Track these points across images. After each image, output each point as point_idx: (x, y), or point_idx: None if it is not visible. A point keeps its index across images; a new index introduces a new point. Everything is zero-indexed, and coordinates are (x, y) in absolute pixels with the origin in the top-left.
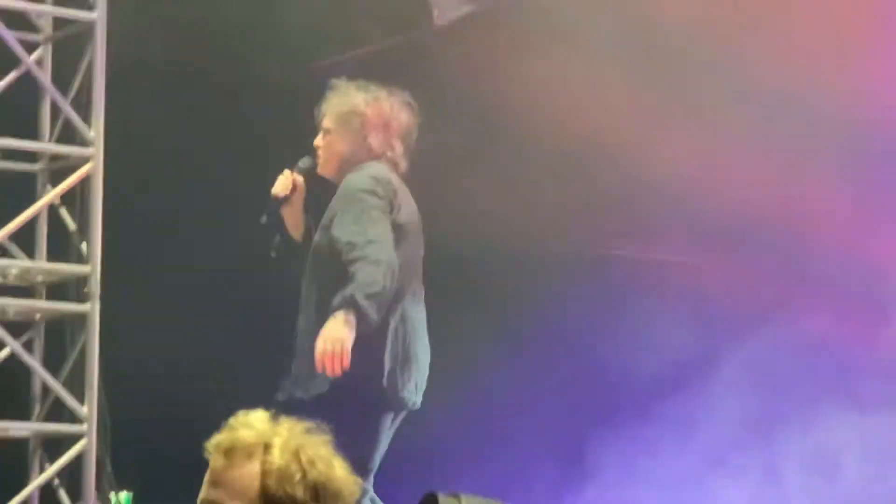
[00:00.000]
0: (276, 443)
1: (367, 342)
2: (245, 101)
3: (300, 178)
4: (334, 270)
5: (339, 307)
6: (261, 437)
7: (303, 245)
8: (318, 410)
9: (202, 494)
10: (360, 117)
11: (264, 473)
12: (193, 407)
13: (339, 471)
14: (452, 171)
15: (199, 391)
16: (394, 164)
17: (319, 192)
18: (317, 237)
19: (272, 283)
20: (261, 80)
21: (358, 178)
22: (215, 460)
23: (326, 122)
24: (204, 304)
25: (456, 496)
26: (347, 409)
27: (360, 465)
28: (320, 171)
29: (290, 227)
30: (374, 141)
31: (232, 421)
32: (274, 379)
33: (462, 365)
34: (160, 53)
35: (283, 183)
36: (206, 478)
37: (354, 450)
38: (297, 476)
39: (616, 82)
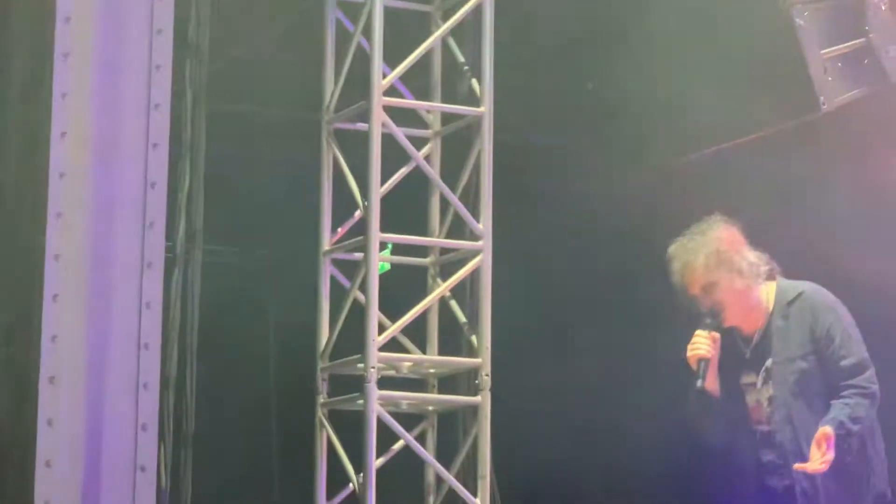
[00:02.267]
0: None
1: None
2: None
3: (717, 335)
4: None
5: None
6: None
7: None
8: None
9: None
10: (727, 253)
11: None
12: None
13: None
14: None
15: (584, 487)
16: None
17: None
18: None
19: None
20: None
21: (820, 296)
22: None
23: (707, 277)
24: (586, 401)
25: None
26: None
27: None
28: (728, 323)
29: (708, 383)
30: (748, 263)
31: None
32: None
33: None
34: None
35: (708, 344)
36: None
37: None
38: None
39: None
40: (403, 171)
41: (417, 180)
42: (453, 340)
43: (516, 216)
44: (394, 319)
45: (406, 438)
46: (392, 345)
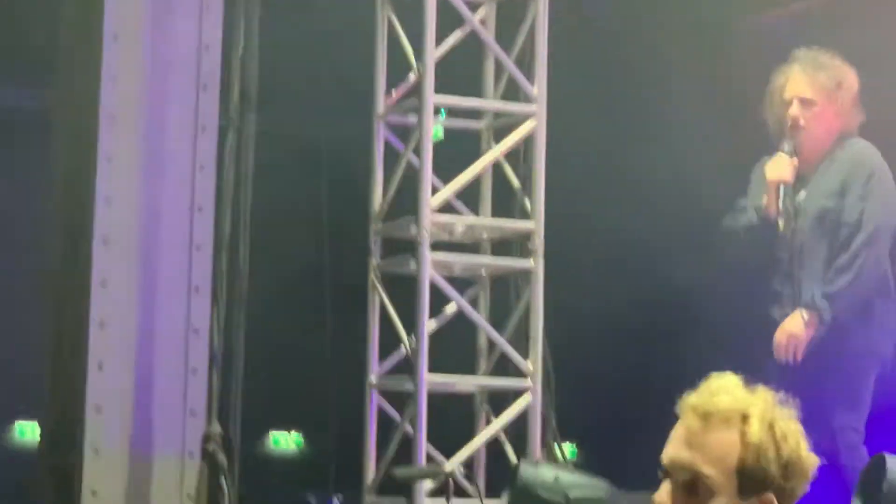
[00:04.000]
0: (754, 413)
1: None
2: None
3: (796, 161)
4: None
5: (805, 306)
6: (738, 405)
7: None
8: None
9: (673, 451)
10: (849, 92)
11: (744, 445)
12: (632, 362)
13: (805, 448)
14: None
15: (636, 347)
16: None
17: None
18: (821, 203)
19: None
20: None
21: (869, 151)
22: (690, 420)
23: (807, 94)
24: (640, 262)
25: None
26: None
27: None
28: (809, 147)
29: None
30: (856, 116)
31: (707, 383)
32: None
33: None
34: (603, 11)
35: (788, 168)
36: (680, 436)
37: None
38: (772, 452)
39: None
40: (458, 34)
41: (473, 44)
42: (507, 204)
43: (575, 81)
44: (448, 184)
45: (459, 302)
46: (445, 208)
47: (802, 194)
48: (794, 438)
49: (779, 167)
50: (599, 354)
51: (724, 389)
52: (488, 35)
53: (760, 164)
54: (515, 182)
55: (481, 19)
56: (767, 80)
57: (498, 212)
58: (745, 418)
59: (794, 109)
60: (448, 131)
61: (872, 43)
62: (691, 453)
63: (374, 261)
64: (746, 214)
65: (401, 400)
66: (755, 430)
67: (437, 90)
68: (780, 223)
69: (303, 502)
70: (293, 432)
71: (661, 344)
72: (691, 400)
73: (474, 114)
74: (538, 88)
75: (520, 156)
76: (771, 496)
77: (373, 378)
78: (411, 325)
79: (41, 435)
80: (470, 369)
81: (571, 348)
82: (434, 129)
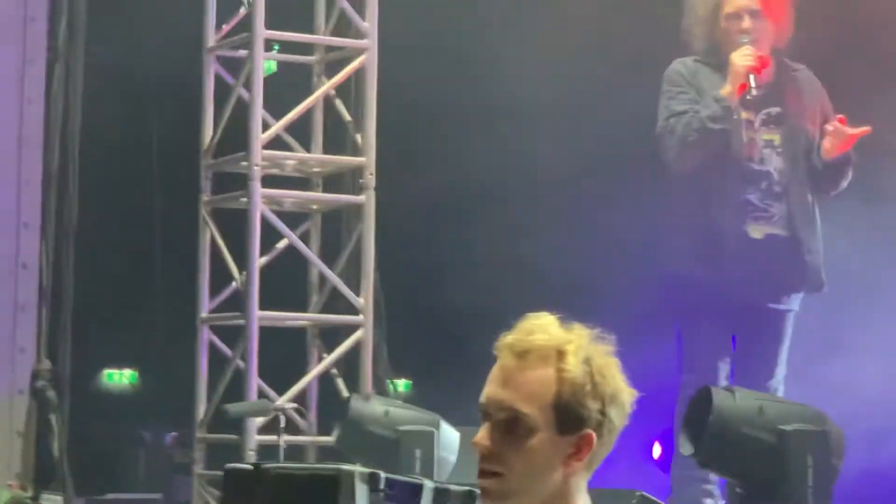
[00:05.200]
0: (570, 349)
1: None
2: None
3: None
4: None
5: None
6: (555, 342)
7: None
8: None
9: (491, 391)
10: None
11: (560, 381)
12: (464, 298)
13: (622, 381)
14: None
15: (471, 283)
16: None
17: None
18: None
19: None
20: None
21: None
22: (507, 359)
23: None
24: (472, 195)
25: (730, 390)
26: None
27: None
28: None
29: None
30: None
31: (523, 323)
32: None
33: None
34: None
35: (755, 58)
36: (497, 376)
37: None
38: (589, 386)
39: None
40: None
41: None
42: (339, 140)
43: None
44: (279, 119)
45: (290, 237)
46: (277, 143)
47: None
48: (610, 373)
49: (747, 56)
50: (435, 290)
51: (540, 328)
52: None
53: (675, 66)
54: (347, 117)
55: None
56: None
57: (330, 147)
58: (561, 355)
59: (747, 23)
60: (280, 66)
61: None
62: (508, 392)
63: (205, 196)
64: (698, 111)
65: (233, 336)
66: (571, 365)
67: (269, 25)
68: (743, 114)
69: (137, 438)
70: (126, 369)
71: (495, 279)
72: (507, 339)
73: (308, 49)
74: (369, 22)
75: (352, 91)
76: (590, 432)
77: (203, 314)
78: (243, 261)
79: None
80: (302, 305)
81: (406, 285)
82: (266, 63)
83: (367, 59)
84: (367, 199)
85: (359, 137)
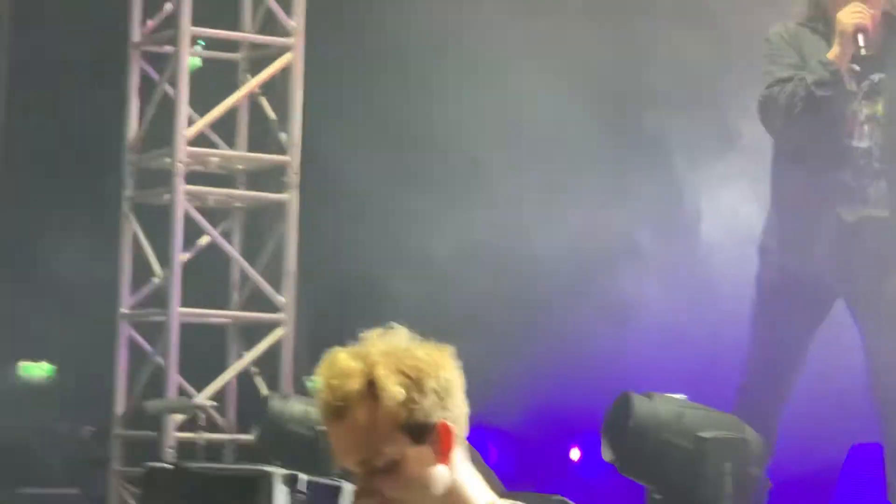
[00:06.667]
0: (379, 374)
1: None
2: None
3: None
4: None
5: None
6: (359, 377)
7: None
8: None
9: (345, 460)
10: None
11: (392, 409)
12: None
13: (440, 368)
14: None
15: (396, 280)
16: None
17: None
18: None
19: None
20: None
21: None
22: (334, 425)
23: None
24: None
25: (649, 395)
26: None
27: None
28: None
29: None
30: None
31: (322, 377)
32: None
33: None
34: None
35: (867, 15)
36: (340, 446)
37: None
38: (414, 391)
39: None
40: None
41: None
42: (264, 138)
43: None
44: (204, 116)
45: (212, 234)
46: (201, 140)
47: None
48: (424, 366)
49: (856, 14)
50: (358, 289)
51: (339, 373)
52: None
53: (776, 29)
54: (272, 115)
55: None
56: None
57: (255, 145)
58: (371, 385)
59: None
60: (206, 62)
61: None
62: (359, 450)
63: (128, 191)
64: (804, 78)
65: (153, 332)
66: (388, 387)
67: (195, 21)
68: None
69: (53, 433)
70: (44, 362)
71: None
72: (323, 405)
73: (233, 46)
74: (296, 21)
75: (276, 89)
76: (442, 424)
77: (124, 309)
78: (165, 258)
79: None
80: (223, 303)
81: (329, 283)
82: (191, 59)
83: (293, 57)
84: (291, 197)
85: (283, 136)
